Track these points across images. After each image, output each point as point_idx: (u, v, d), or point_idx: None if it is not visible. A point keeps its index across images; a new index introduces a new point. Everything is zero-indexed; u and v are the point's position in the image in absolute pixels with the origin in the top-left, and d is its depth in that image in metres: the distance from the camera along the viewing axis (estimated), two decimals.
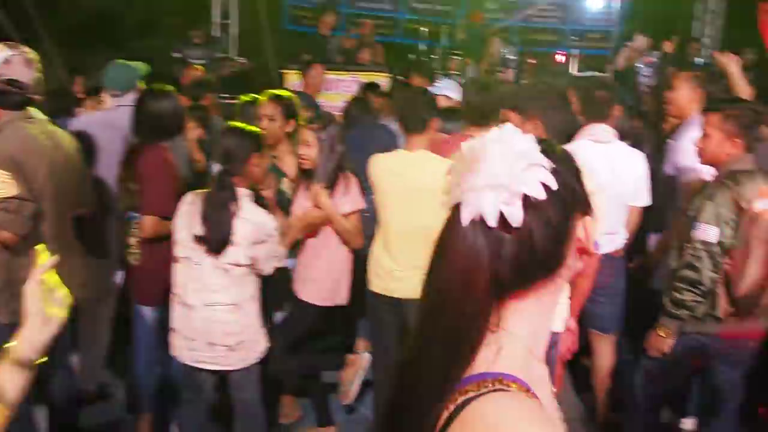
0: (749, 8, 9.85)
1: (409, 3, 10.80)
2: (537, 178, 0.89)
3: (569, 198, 0.93)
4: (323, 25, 8.38)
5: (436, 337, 0.92)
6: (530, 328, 0.96)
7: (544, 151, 0.92)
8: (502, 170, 0.89)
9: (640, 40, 8.16)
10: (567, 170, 0.94)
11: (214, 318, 2.85)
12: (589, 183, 0.99)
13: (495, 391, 0.88)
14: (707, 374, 3.04)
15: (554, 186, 0.89)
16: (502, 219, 0.89)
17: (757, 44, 8.80)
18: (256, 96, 4.20)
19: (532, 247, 0.91)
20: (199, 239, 2.81)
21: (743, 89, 3.87)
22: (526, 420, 0.85)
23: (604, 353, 3.62)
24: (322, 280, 3.39)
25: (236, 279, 2.86)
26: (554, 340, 2.81)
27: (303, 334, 3.46)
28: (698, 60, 9.47)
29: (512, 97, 2.85)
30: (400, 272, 3.24)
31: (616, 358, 3.66)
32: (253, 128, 3.01)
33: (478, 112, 3.46)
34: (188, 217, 2.87)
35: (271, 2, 9.70)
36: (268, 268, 2.95)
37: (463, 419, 0.87)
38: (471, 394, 0.88)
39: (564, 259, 0.95)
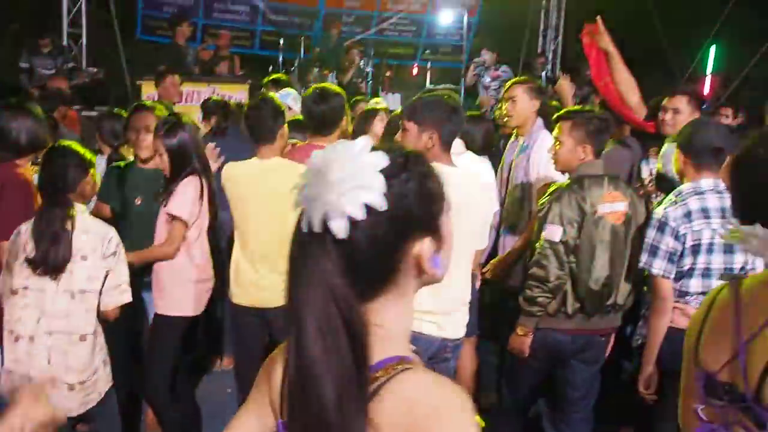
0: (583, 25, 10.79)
1: (266, 15, 10.81)
2: (361, 199, 0.96)
3: (404, 219, 1.01)
4: (179, 35, 8.22)
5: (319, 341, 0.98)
6: (396, 324, 1.06)
7: (396, 169, 1.01)
8: (333, 186, 0.97)
9: (486, 55, 8.67)
10: (411, 191, 1.02)
11: (57, 348, 2.69)
12: (445, 203, 1.08)
13: (404, 371, 0.99)
14: (563, 371, 3.17)
15: (382, 208, 0.97)
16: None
17: None
18: (117, 112, 4.09)
19: (357, 260, 1.00)
20: (31, 261, 2.66)
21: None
22: (440, 387, 0.98)
23: (466, 356, 3.67)
24: (169, 290, 3.22)
25: (84, 305, 2.74)
26: (456, 344, 2.87)
27: (172, 354, 3.29)
28: (543, 74, 10.16)
29: (410, 108, 2.86)
30: (264, 281, 3.21)
31: (477, 360, 3.78)
32: (80, 147, 2.91)
33: (320, 122, 3.47)
34: (21, 244, 2.72)
35: (123, 11, 9.37)
36: (110, 300, 2.82)
37: (381, 402, 0.96)
38: (382, 379, 0.98)
39: (396, 273, 1.04)
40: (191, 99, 7.07)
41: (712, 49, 9.43)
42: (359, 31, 11.22)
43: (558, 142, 3.08)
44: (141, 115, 3.59)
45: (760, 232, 1.32)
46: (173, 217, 3.12)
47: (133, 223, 3.44)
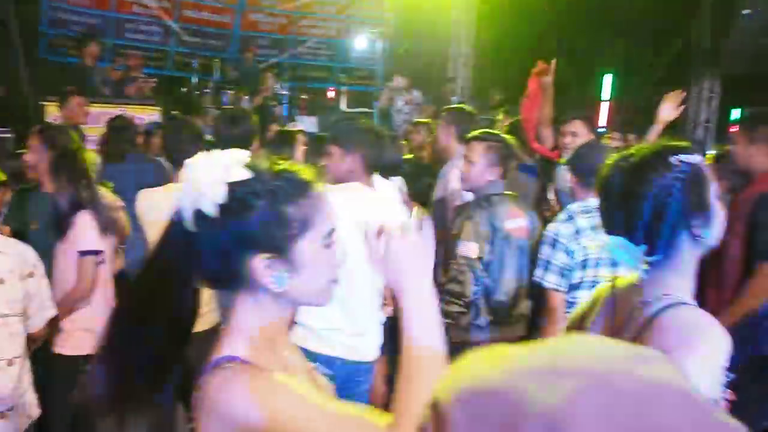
0: (495, 53, 11.29)
1: (179, 36, 10.69)
2: (195, 203, 1.10)
3: (241, 232, 1.11)
4: (87, 55, 8.01)
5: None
6: (246, 327, 1.16)
7: (248, 187, 1.11)
8: (188, 184, 1.11)
9: (399, 81, 8.89)
10: (255, 209, 1.11)
11: None
12: (309, 230, 1.16)
13: (225, 369, 1.08)
14: None
15: (212, 215, 1.09)
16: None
17: (502, 85, 10.09)
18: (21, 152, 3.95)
19: (200, 254, 1.13)
20: None
21: None
22: (240, 382, 1.07)
23: (377, 376, 3.73)
24: (70, 329, 3.11)
25: (7, 329, 2.62)
26: (367, 368, 2.87)
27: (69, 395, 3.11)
28: (453, 98, 10.50)
29: (335, 133, 2.93)
30: None
31: (387, 380, 3.86)
32: None
33: (230, 146, 3.44)
34: None
35: (26, 30, 9.05)
36: (37, 321, 2.75)
37: (202, 398, 1.08)
38: (207, 378, 1.10)
39: (240, 280, 1.14)
40: (99, 120, 6.90)
41: (608, 79, 10.06)
42: (275, 54, 11.27)
43: (470, 162, 3.21)
44: (30, 136, 3.49)
45: (618, 243, 1.46)
46: (83, 253, 3.06)
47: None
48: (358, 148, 2.80)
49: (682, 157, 1.43)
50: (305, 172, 1.19)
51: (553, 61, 4.37)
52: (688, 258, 1.45)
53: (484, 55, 11.73)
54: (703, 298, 3.30)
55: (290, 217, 1.13)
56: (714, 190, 1.45)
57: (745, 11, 9.95)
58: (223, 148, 3.62)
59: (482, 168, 3.18)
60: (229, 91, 9.18)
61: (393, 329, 3.75)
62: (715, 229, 1.44)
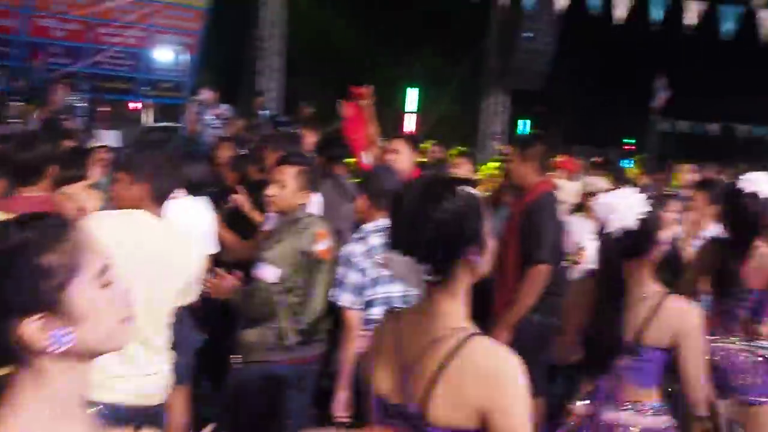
0: (305, 67, 11.46)
1: None
2: None
3: (10, 296, 1.00)
4: None
5: None
6: (37, 400, 1.04)
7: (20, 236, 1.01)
8: None
9: (206, 94, 8.70)
10: (7, 271, 1.01)
11: None
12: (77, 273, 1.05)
13: None
14: (280, 401, 3.20)
15: None
16: None
17: (312, 98, 10.25)
18: None
19: None
20: None
21: None
22: None
23: (177, 405, 3.43)
24: None
25: None
26: (156, 412, 2.65)
27: None
28: (263, 112, 10.44)
29: (125, 157, 2.77)
30: None
31: (189, 409, 3.59)
32: None
33: (25, 170, 3.12)
34: None
35: None
36: None
37: None
38: None
39: (17, 354, 1.03)
40: None
41: (413, 92, 10.62)
42: (69, 63, 10.52)
43: (280, 185, 3.17)
44: None
45: (398, 260, 1.57)
46: None
47: None
48: (147, 177, 2.63)
49: (466, 189, 1.57)
50: (59, 214, 1.09)
51: (371, 87, 4.63)
52: (462, 284, 1.57)
53: (293, 69, 11.85)
54: (490, 305, 3.64)
55: (51, 267, 1.03)
56: (488, 224, 1.59)
57: (525, 34, 11.01)
58: (13, 175, 3.25)
59: (294, 191, 3.17)
60: (15, 104, 8.40)
61: (206, 353, 3.67)
62: (486, 258, 1.58)
